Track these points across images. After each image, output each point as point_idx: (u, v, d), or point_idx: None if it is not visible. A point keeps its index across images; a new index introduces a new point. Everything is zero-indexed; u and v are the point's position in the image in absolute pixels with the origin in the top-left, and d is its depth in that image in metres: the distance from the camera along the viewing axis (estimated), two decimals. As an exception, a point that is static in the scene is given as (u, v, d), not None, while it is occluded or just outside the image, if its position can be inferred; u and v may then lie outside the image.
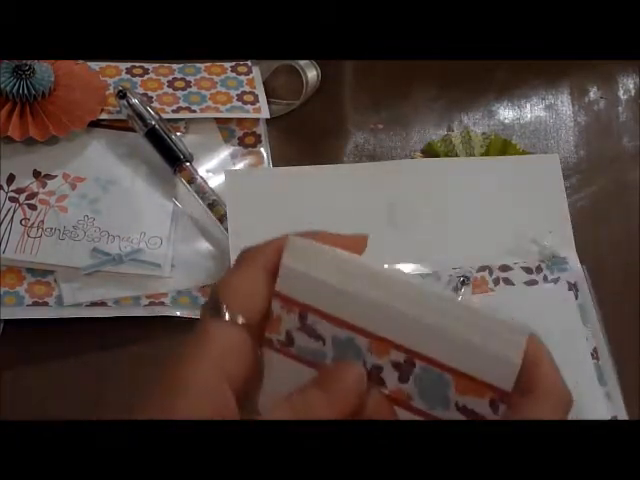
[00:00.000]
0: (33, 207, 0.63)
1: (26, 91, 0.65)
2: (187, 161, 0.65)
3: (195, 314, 0.60)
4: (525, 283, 0.61)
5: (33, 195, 0.64)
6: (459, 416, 0.40)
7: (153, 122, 0.66)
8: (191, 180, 0.65)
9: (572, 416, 0.43)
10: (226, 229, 0.62)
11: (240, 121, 0.69)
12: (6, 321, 0.59)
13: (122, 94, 0.66)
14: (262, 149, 0.68)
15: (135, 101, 0.66)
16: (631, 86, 0.73)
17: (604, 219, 0.66)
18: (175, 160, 0.65)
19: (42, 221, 0.63)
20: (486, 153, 0.68)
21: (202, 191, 0.64)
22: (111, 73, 0.70)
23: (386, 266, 0.40)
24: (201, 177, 0.65)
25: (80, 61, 0.69)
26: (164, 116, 0.67)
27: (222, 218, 0.63)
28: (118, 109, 0.67)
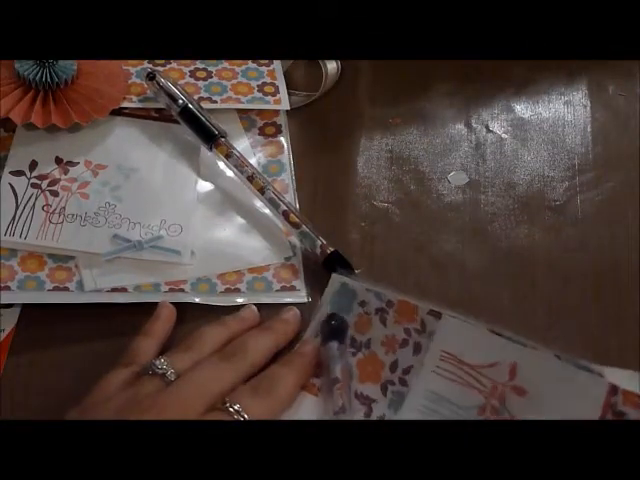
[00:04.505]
0: (55, 193, 0.64)
1: (49, 79, 0.66)
2: (222, 136, 0.66)
3: (214, 301, 0.60)
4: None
5: (55, 182, 0.65)
6: None
7: (185, 101, 0.67)
8: (228, 154, 0.65)
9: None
10: (268, 200, 0.63)
11: (261, 111, 0.69)
12: (24, 305, 0.60)
13: (152, 76, 0.67)
14: (282, 139, 0.69)
15: (165, 82, 0.67)
16: (650, 83, 0.73)
17: (621, 215, 0.66)
18: (211, 136, 0.66)
19: (64, 207, 0.63)
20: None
21: (241, 165, 0.65)
22: (133, 62, 0.70)
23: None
24: (237, 151, 0.66)
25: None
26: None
27: (262, 190, 0.64)
28: (141, 97, 0.68)
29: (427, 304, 0.57)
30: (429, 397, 0.54)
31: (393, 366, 0.56)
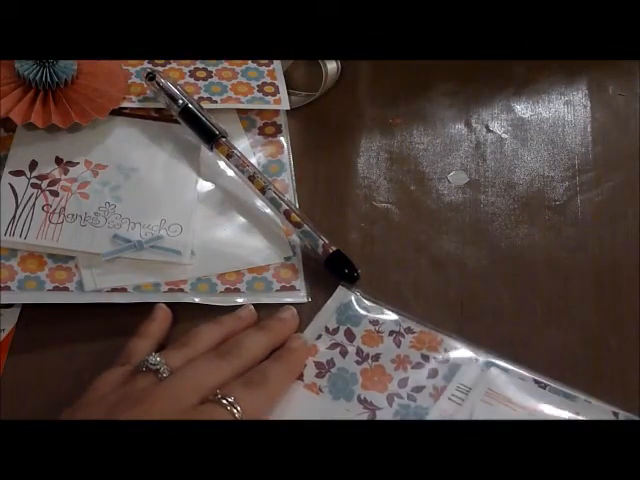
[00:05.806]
0: (55, 193, 0.64)
1: (49, 79, 0.66)
2: (222, 136, 0.66)
3: (213, 301, 0.60)
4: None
5: (55, 182, 0.65)
6: None
7: (185, 101, 0.67)
8: (229, 154, 0.65)
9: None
10: (269, 199, 0.63)
11: (261, 111, 0.70)
12: (24, 305, 0.60)
13: (151, 76, 0.67)
14: (282, 139, 0.69)
15: (165, 82, 0.67)
16: (650, 83, 0.73)
17: (621, 215, 0.66)
18: (211, 136, 0.66)
19: (64, 207, 0.63)
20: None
21: (242, 164, 0.65)
22: (133, 62, 0.70)
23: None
24: (238, 151, 0.66)
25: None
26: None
27: (263, 190, 0.64)
28: (141, 97, 0.68)
29: (453, 337, 0.58)
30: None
31: (403, 382, 0.56)
